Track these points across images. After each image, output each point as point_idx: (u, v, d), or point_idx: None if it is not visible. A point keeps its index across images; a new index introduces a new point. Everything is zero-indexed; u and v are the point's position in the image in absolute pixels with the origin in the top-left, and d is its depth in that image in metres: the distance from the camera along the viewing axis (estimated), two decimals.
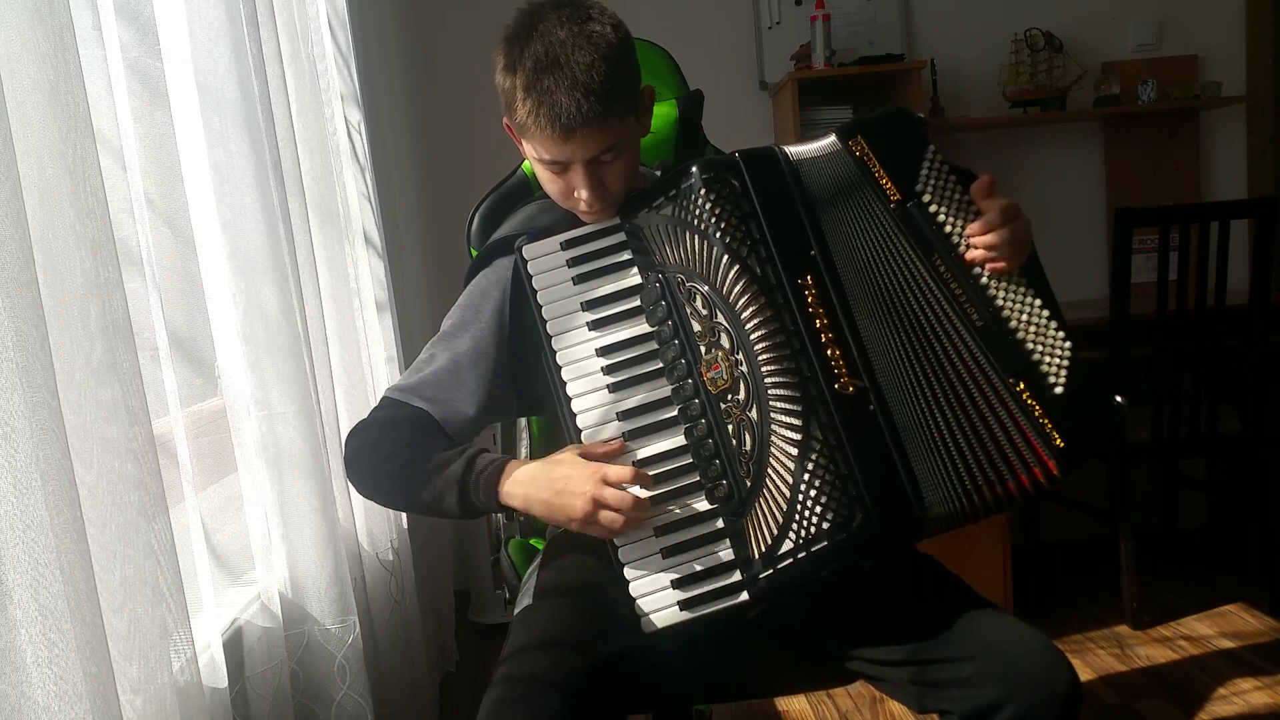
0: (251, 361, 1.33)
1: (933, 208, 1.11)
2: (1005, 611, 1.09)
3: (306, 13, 1.78)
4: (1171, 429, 2.42)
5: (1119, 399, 1.09)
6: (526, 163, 1.49)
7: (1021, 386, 1.07)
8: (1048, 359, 1.08)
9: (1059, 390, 1.07)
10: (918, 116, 1.17)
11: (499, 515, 1.45)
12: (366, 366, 1.86)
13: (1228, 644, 2.31)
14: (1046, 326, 1.09)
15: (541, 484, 1.05)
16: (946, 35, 2.99)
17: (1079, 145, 3.05)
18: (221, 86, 1.29)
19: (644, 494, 1.05)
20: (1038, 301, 1.10)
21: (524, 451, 1.43)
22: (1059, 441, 1.05)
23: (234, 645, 1.25)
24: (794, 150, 1.14)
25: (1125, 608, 2.44)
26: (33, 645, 0.77)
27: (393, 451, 1.12)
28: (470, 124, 2.90)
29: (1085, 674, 2.21)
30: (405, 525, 1.97)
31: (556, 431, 1.52)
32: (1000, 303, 1.10)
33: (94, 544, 0.88)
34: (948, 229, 1.11)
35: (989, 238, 1.08)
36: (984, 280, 1.10)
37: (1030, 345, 1.08)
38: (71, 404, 0.87)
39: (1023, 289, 1.10)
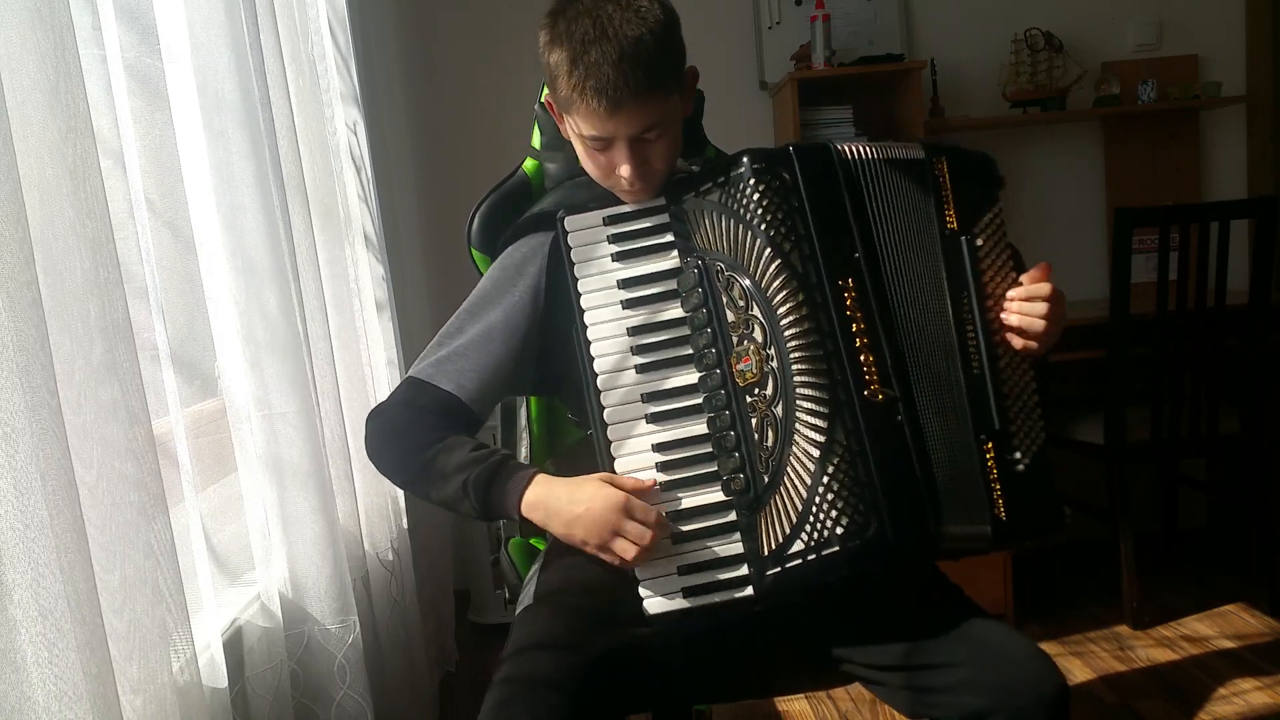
0: (251, 361, 1.33)
1: (980, 253, 1.12)
2: (998, 618, 1.10)
3: (306, 13, 1.78)
4: (1171, 429, 2.42)
5: (1067, 510, 1.10)
6: (528, 161, 1.48)
7: (989, 447, 1.07)
8: (1021, 434, 1.08)
9: (1020, 468, 1.07)
10: (1000, 175, 1.18)
11: None
12: (366, 367, 1.86)
13: (1228, 644, 2.31)
14: (1033, 407, 1.10)
15: (564, 503, 1.05)
16: (946, 35, 2.99)
17: (1079, 145, 3.04)
18: (221, 86, 1.29)
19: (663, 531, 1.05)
20: (1034, 384, 1.11)
21: (524, 452, 1.43)
22: (1001, 512, 1.05)
23: (234, 645, 1.25)
24: (864, 147, 1.12)
25: (1125, 608, 2.44)
26: (33, 645, 0.78)
27: (419, 444, 1.12)
28: (470, 124, 2.90)
29: (1085, 674, 2.21)
30: (405, 525, 1.97)
31: (558, 435, 1.52)
32: (1001, 365, 1.10)
33: (94, 544, 0.88)
34: (985, 278, 1.12)
35: (1031, 306, 1.10)
36: (995, 339, 1.11)
37: (1011, 415, 1.09)
38: (71, 404, 0.87)
39: (1026, 364, 1.12)
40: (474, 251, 1.42)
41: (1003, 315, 1.11)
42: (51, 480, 0.79)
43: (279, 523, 1.37)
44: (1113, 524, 2.44)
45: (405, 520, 1.98)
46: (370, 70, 2.19)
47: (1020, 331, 1.11)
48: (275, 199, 1.37)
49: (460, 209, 1.48)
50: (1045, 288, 1.11)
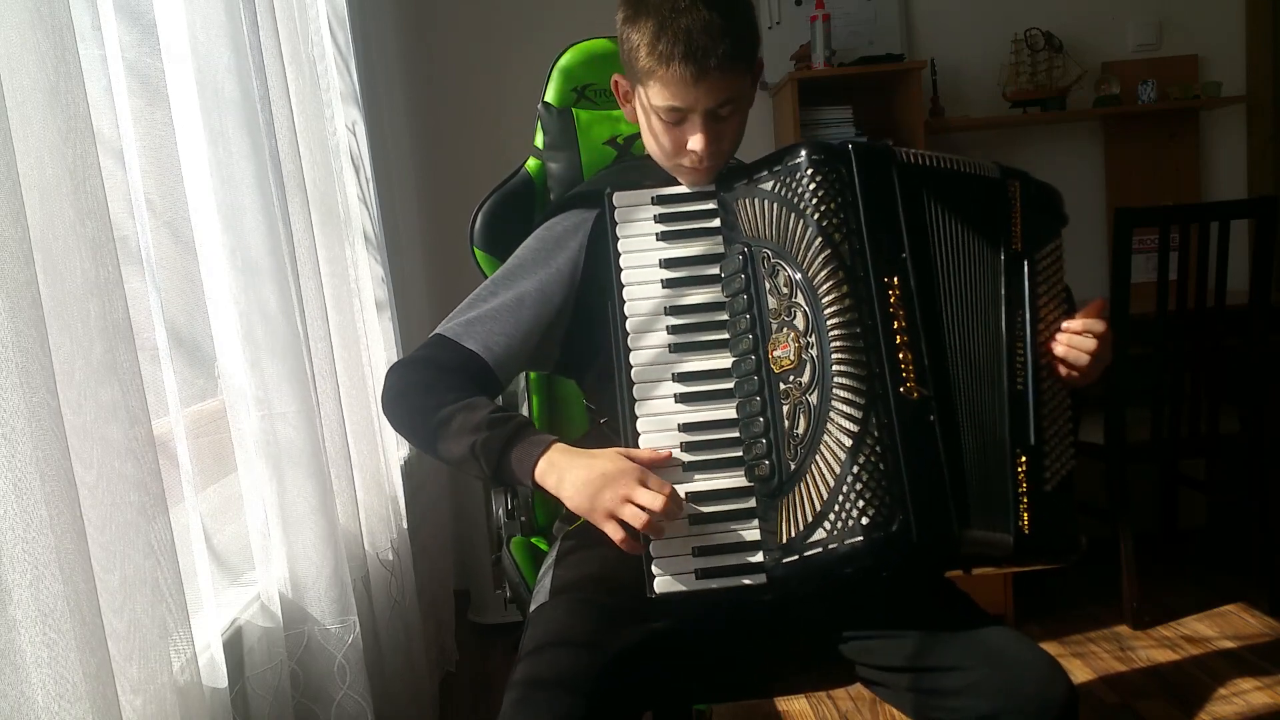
0: (251, 361, 1.33)
1: (1039, 278, 1.14)
2: (1005, 623, 1.10)
3: (306, 13, 1.78)
4: (1171, 429, 2.42)
5: (1083, 540, 1.12)
6: (531, 161, 1.49)
7: (1023, 461, 1.08)
8: (1052, 456, 1.10)
9: (1048, 488, 1.09)
10: (1066, 213, 1.21)
11: (500, 513, 1.45)
12: (367, 366, 1.86)
13: (1228, 644, 2.31)
14: (1067, 434, 1.12)
15: (579, 469, 1.03)
16: (946, 35, 2.99)
17: (1079, 145, 3.05)
18: (221, 86, 1.29)
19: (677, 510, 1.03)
20: (1070, 413, 1.14)
21: None
22: (1025, 526, 1.06)
23: (234, 645, 1.25)
24: (930, 156, 1.14)
25: (1125, 608, 2.44)
26: (33, 645, 0.77)
27: (438, 402, 1.11)
28: (470, 124, 2.90)
29: (1085, 674, 2.21)
30: (405, 525, 1.97)
31: (560, 432, 1.52)
32: (1044, 386, 1.12)
33: (94, 544, 0.88)
34: (1040, 302, 1.13)
35: (1081, 339, 1.12)
36: (1043, 360, 1.13)
37: (1046, 435, 1.11)
38: (71, 404, 0.87)
39: (1065, 392, 1.14)
40: (476, 251, 1.42)
41: (1052, 344, 1.13)
42: (51, 480, 0.79)
43: (279, 523, 1.37)
44: (1113, 524, 2.44)
45: (405, 520, 1.98)
46: (370, 70, 2.19)
47: (1065, 362, 1.13)
48: (275, 199, 1.37)
49: (460, 209, 1.48)
50: (1099, 324, 1.13)
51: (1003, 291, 1.12)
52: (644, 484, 1.01)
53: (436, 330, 1.18)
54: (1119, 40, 3.03)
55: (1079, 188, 3.03)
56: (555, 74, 1.50)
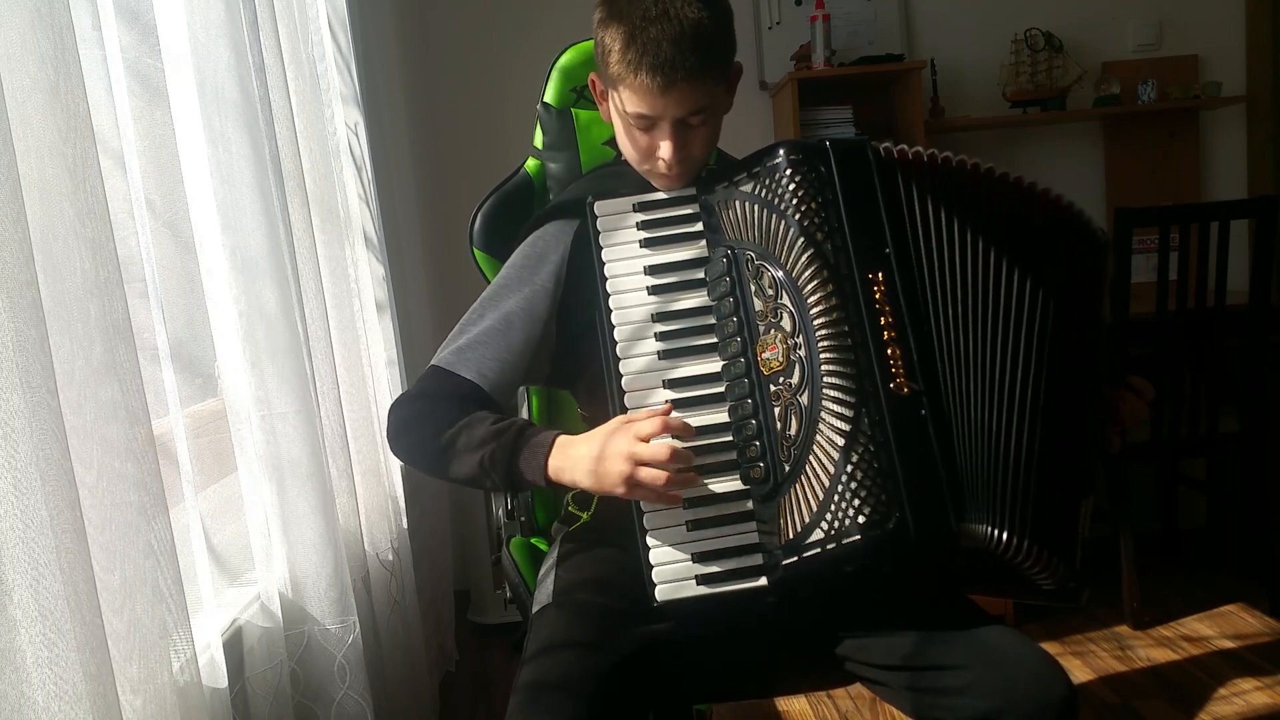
0: (251, 362, 1.33)
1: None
2: (1004, 622, 1.09)
3: (306, 13, 1.78)
4: (1171, 429, 2.42)
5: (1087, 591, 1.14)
6: (530, 161, 1.49)
7: (1083, 505, 1.09)
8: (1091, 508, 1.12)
9: (1084, 534, 1.09)
10: None
11: (500, 514, 1.45)
12: (367, 367, 1.86)
13: (1228, 644, 2.31)
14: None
15: (583, 455, 1.03)
16: (946, 35, 2.99)
17: (1079, 145, 3.05)
18: (221, 86, 1.29)
19: (679, 444, 1.02)
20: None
21: None
22: (1077, 564, 1.06)
23: (234, 645, 1.25)
24: (970, 161, 1.14)
25: (1125, 608, 2.44)
26: (33, 645, 0.78)
27: (439, 428, 1.11)
28: (470, 124, 2.90)
29: (1085, 674, 2.21)
30: (405, 525, 1.97)
31: (559, 426, 1.52)
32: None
33: (94, 544, 0.88)
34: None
35: (1140, 406, 1.18)
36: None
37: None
38: (71, 404, 0.87)
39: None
40: (476, 251, 1.42)
41: (1128, 413, 1.18)
42: (51, 480, 0.79)
43: (279, 523, 1.37)
44: (1113, 524, 2.44)
45: (405, 520, 1.98)
46: (370, 70, 2.19)
47: (1118, 419, 1.18)
48: (275, 199, 1.37)
49: (460, 209, 1.48)
50: (1151, 391, 1.19)
51: (1091, 352, 1.12)
52: (638, 434, 1.00)
53: (431, 362, 1.18)
54: (1119, 40, 3.03)
55: (1079, 188, 3.03)
56: (554, 74, 1.50)
